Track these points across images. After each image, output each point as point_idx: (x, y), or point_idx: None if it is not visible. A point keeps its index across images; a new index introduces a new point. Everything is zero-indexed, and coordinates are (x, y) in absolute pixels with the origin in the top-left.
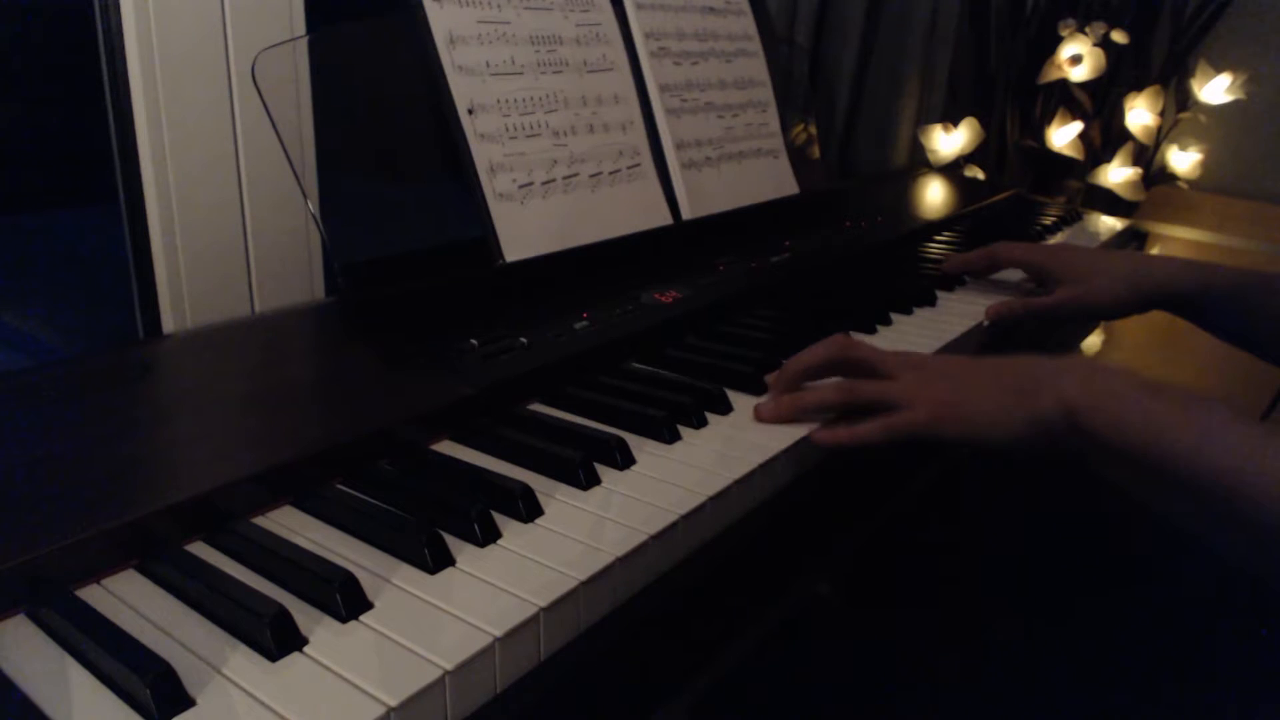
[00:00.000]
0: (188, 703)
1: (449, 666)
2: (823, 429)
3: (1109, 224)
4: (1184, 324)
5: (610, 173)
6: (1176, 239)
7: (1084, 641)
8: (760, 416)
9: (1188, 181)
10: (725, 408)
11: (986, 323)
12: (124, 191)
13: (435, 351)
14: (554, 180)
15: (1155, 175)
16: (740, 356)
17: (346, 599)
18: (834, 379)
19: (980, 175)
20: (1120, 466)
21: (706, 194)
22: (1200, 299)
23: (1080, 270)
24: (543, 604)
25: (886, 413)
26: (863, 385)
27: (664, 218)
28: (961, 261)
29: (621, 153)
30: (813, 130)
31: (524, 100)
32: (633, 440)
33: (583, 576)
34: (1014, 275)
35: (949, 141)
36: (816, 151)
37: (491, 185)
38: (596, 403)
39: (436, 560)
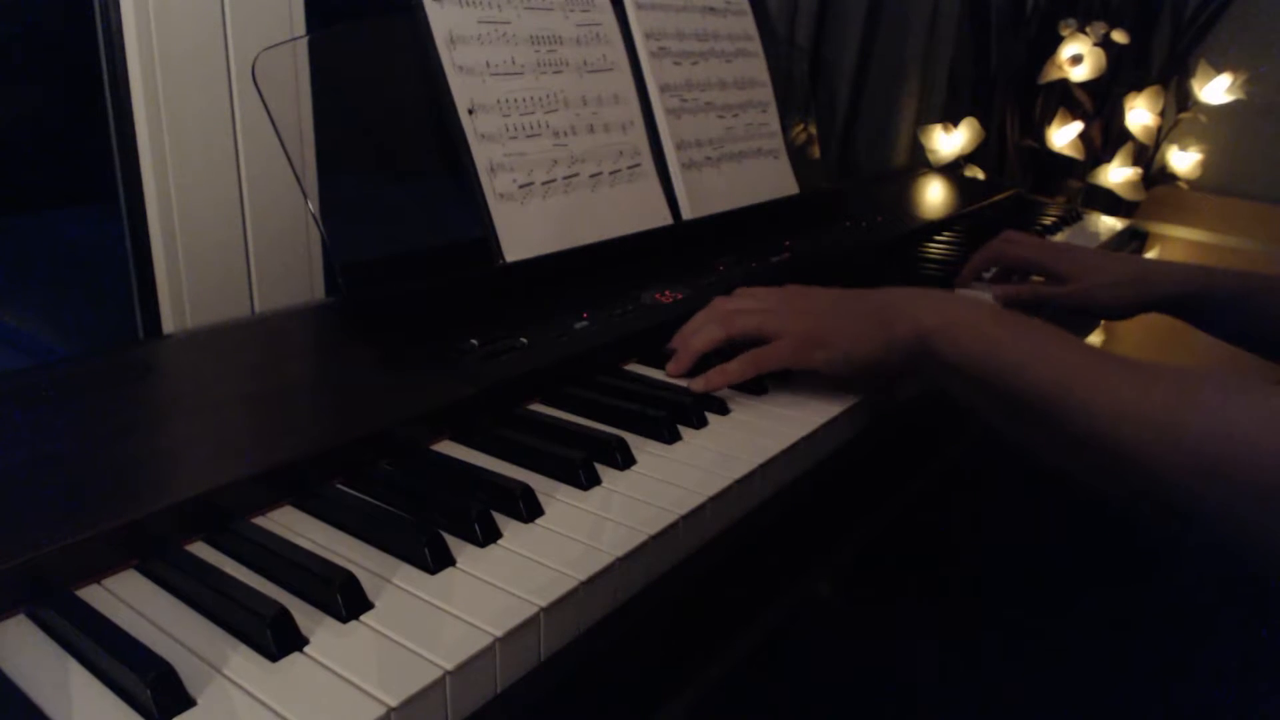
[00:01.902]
0: (188, 703)
1: (449, 666)
2: (696, 377)
3: (1109, 224)
4: (1182, 325)
5: (610, 173)
6: (1176, 239)
7: (1084, 641)
8: (669, 373)
9: (1188, 181)
10: (726, 408)
11: (995, 299)
12: (124, 191)
13: (435, 351)
14: (554, 180)
15: (1155, 175)
16: None
17: (347, 599)
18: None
19: (980, 175)
20: (963, 387)
21: (706, 194)
22: (1202, 303)
23: (1085, 270)
24: (543, 604)
25: (757, 350)
26: (740, 320)
27: (664, 218)
28: (973, 269)
29: (622, 153)
30: (813, 130)
31: (524, 100)
32: (633, 440)
33: (583, 576)
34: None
35: (949, 141)
36: (816, 151)
37: (492, 185)
38: (597, 403)
39: (437, 560)
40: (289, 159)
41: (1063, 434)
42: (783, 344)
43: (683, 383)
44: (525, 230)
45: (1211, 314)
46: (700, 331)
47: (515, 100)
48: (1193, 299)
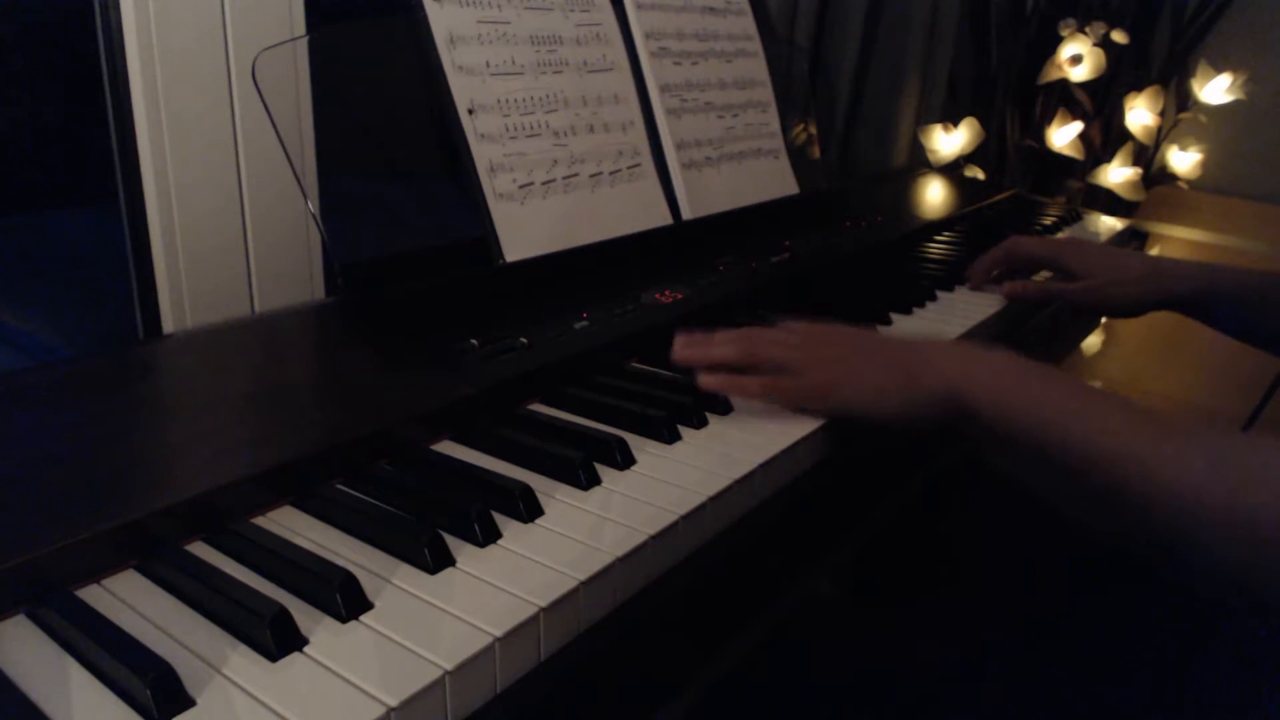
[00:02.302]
0: (188, 703)
1: (449, 666)
2: (710, 375)
3: (1109, 224)
4: (1184, 325)
5: (610, 173)
6: (1176, 239)
7: (1084, 641)
8: (675, 354)
9: (1188, 181)
10: (726, 408)
11: (1004, 295)
12: (124, 191)
13: (435, 351)
14: (554, 180)
15: (1155, 175)
16: None
17: (346, 599)
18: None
19: (980, 175)
20: (994, 444)
21: (706, 194)
22: (1211, 300)
23: (1095, 267)
24: (543, 604)
25: (781, 379)
26: (764, 346)
27: (664, 218)
28: (983, 271)
29: (621, 153)
30: (813, 130)
31: (524, 100)
32: (633, 440)
33: (583, 576)
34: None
35: (949, 141)
36: (816, 151)
37: (491, 185)
38: (597, 403)
39: (437, 560)
40: (289, 159)
41: (1108, 498)
42: (803, 383)
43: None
44: (525, 230)
45: (1221, 311)
46: (726, 344)
47: (515, 100)
48: (1202, 296)
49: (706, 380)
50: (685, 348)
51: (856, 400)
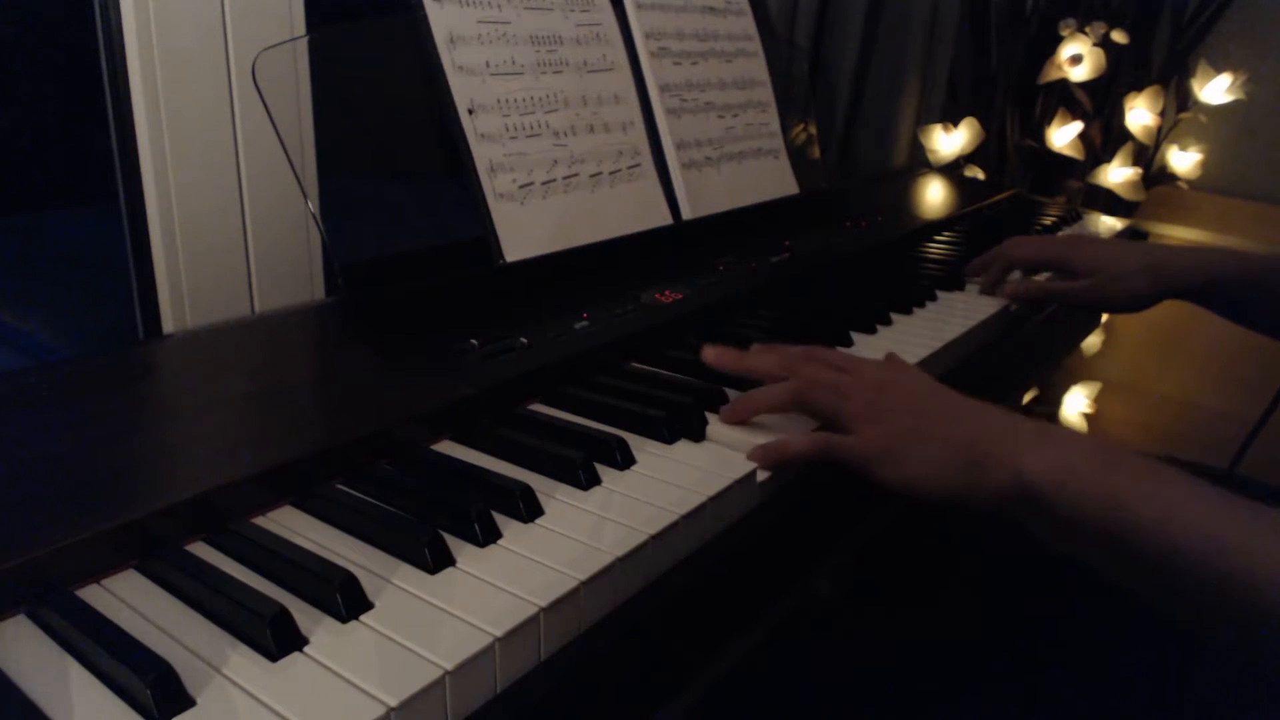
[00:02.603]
0: (188, 703)
1: (449, 666)
2: (757, 447)
3: (1109, 224)
4: (1184, 324)
5: (610, 173)
6: (1176, 239)
7: (1083, 642)
8: (722, 418)
9: (1188, 181)
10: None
11: (1009, 304)
12: (124, 191)
13: (435, 351)
14: (554, 180)
15: (1155, 175)
16: None
17: (346, 599)
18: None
19: (980, 175)
20: (1076, 538)
21: (706, 194)
22: (1218, 287)
23: (1098, 265)
24: (543, 604)
25: (828, 432)
26: (818, 395)
27: (664, 218)
28: (990, 282)
29: (621, 153)
30: (813, 130)
31: (524, 100)
32: (633, 440)
33: (583, 576)
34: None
35: (949, 141)
36: (816, 151)
37: (491, 185)
38: (597, 403)
39: (437, 560)
40: (289, 159)
41: (1209, 593)
42: (855, 444)
43: (744, 454)
44: (525, 230)
45: (1228, 298)
46: (771, 392)
47: (515, 100)
48: (1209, 284)
49: (754, 455)
50: (727, 412)
51: (915, 481)
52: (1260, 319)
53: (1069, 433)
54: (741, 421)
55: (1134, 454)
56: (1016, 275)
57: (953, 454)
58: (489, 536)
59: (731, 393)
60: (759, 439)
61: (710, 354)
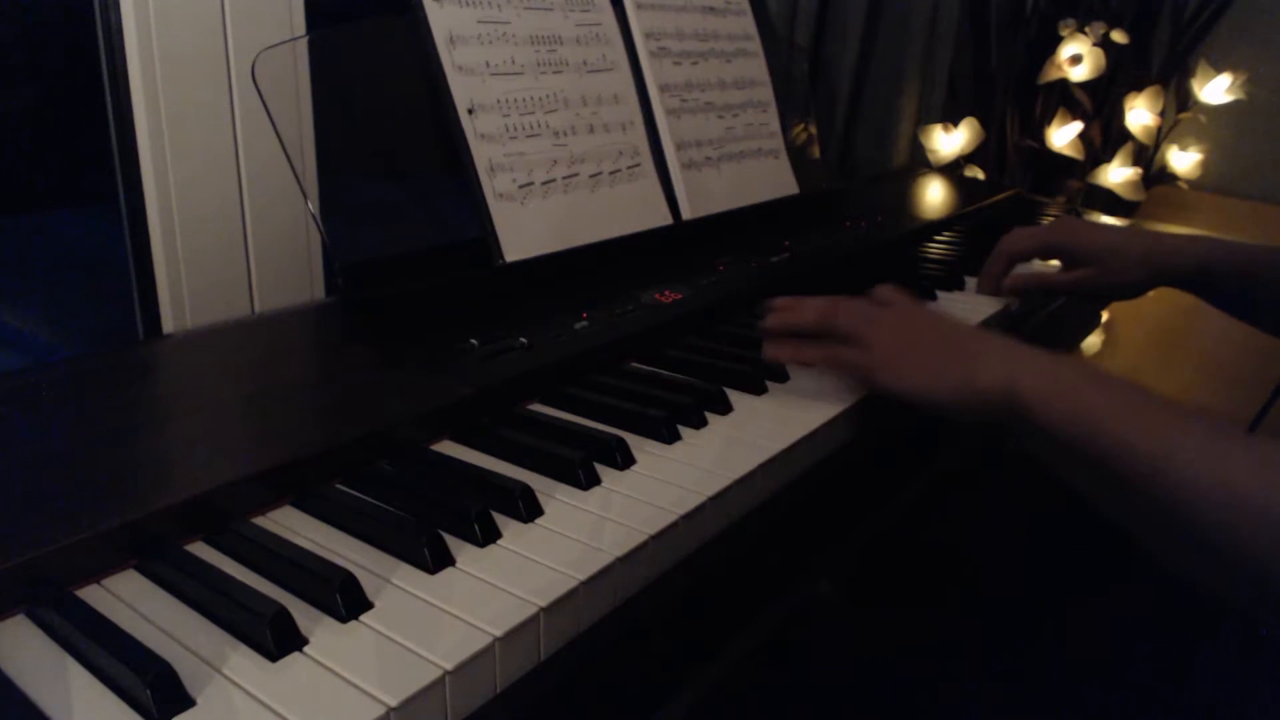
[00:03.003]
0: (188, 703)
1: (449, 666)
2: (772, 346)
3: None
4: (1184, 322)
5: (610, 173)
6: None
7: (1084, 641)
8: (766, 355)
9: (1188, 181)
10: (725, 408)
11: (1008, 304)
12: (124, 191)
13: (435, 351)
14: (554, 180)
15: (1155, 175)
16: (740, 356)
17: (346, 599)
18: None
19: (980, 175)
20: (1054, 452)
21: (706, 194)
22: (1212, 277)
23: (1094, 252)
24: (543, 604)
25: (841, 349)
26: (842, 314)
27: (664, 218)
28: (992, 280)
29: (621, 153)
30: (813, 130)
31: (524, 100)
32: (633, 440)
33: (583, 576)
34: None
35: (949, 141)
36: (816, 151)
37: (491, 185)
38: (596, 403)
39: (436, 560)
40: (289, 159)
41: (1163, 510)
42: (861, 354)
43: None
44: (525, 230)
45: (1221, 288)
46: (810, 310)
47: (515, 100)
48: (1203, 273)
49: (769, 351)
50: (776, 315)
51: (911, 384)
52: (1253, 311)
53: (1063, 355)
54: (775, 325)
55: (1123, 379)
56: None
57: (950, 364)
58: (489, 536)
59: (732, 394)
60: (760, 439)
61: (771, 321)
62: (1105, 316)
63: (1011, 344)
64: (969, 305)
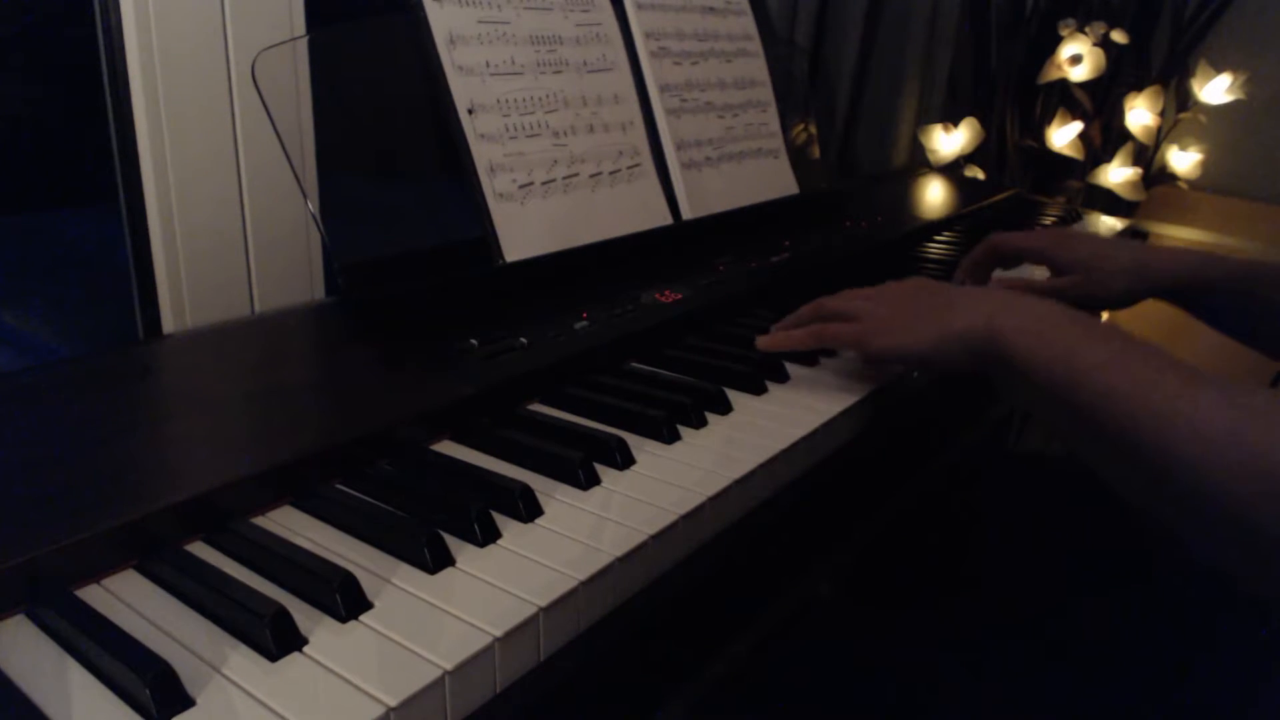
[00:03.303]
0: (188, 703)
1: (449, 666)
2: (763, 336)
3: (1109, 224)
4: (1181, 326)
5: (610, 173)
6: (1176, 239)
7: (1084, 641)
8: (759, 345)
9: (1188, 181)
10: (725, 408)
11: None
12: (124, 191)
13: (435, 351)
14: (554, 180)
15: (1155, 175)
16: (740, 356)
17: (346, 599)
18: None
19: (980, 175)
20: (1028, 392)
21: (706, 194)
22: (1201, 292)
23: (1083, 261)
24: (543, 604)
25: (825, 325)
26: (831, 301)
27: (664, 218)
28: (969, 266)
29: (621, 153)
30: (813, 130)
31: (524, 100)
32: (633, 440)
33: (583, 576)
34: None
35: (949, 141)
36: (816, 151)
37: (491, 185)
38: (596, 403)
39: (436, 560)
40: (289, 159)
41: (1132, 448)
42: (850, 326)
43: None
44: (525, 230)
45: (1210, 304)
46: (799, 311)
47: (515, 100)
48: (1192, 288)
49: (760, 342)
50: (766, 340)
51: (901, 340)
52: (1241, 327)
53: (1043, 300)
54: (774, 346)
55: (1096, 319)
56: (999, 274)
57: (930, 315)
58: (488, 536)
59: (732, 394)
60: (760, 440)
61: (763, 341)
62: (1103, 317)
63: (992, 290)
64: None
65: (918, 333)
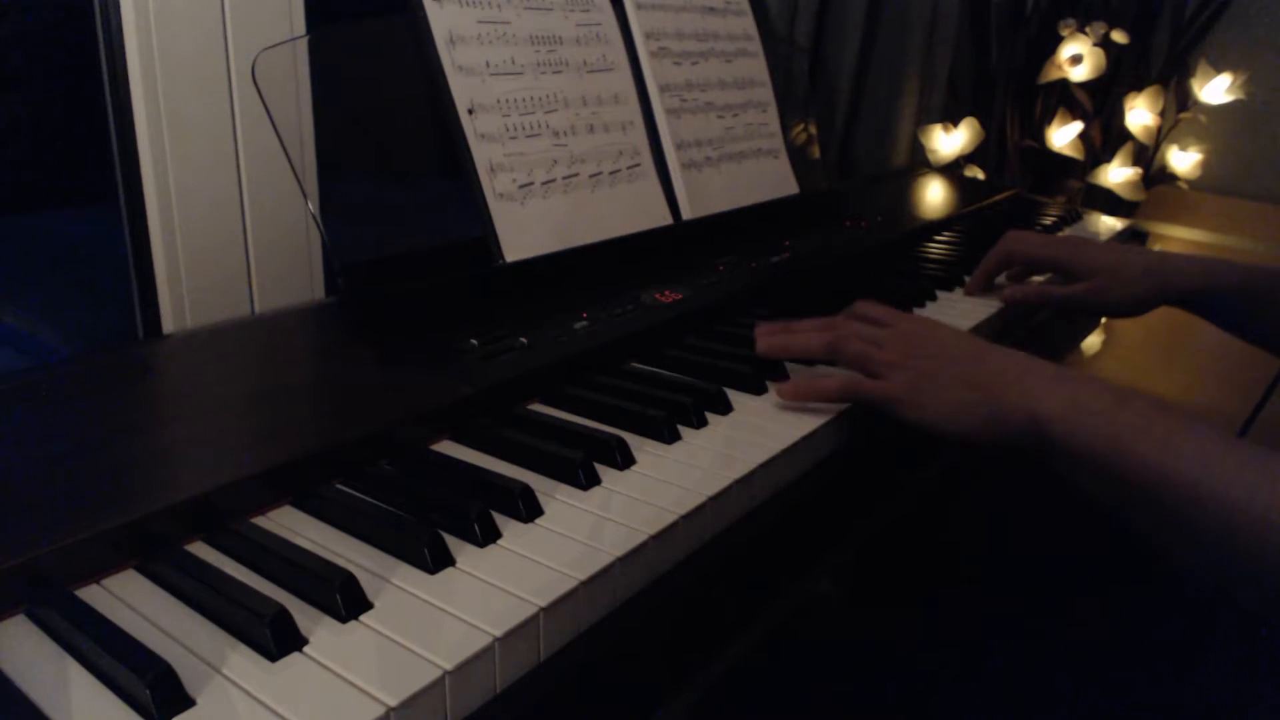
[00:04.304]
0: (188, 703)
1: (449, 666)
2: (787, 382)
3: (1109, 224)
4: (1183, 325)
5: (610, 173)
6: (1176, 239)
7: (1084, 641)
8: (759, 349)
9: (1188, 181)
10: (725, 408)
11: (1003, 301)
12: (124, 191)
13: (435, 351)
14: (554, 180)
15: (1155, 175)
16: (740, 356)
17: (346, 599)
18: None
19: (980, 175)
20: (1084, 474)
21: (706, 194)
22: (1214, 297)
23: (1097, 268)
24: (543, 604)
25: (862, 381)
26: (850, 341)
27: (664, 218)
28: (982, 275)
29: (621, 153)
30: (813, 130)
31: (524, 100)
32: (633, 440)
33: (583, 576)
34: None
35: (949, 141)
36: (816, 151)
37: (491, 185)
38: (596, 403)
39: (436, 560)
40: (289, 159)
41: (1199, 533)
42: (882, 386)
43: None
44: (525, 230)
45: (1223, 307)
46: (811, 332)
47: (515, 100)
48: (1205, 294)
49: (784, 390)
50: (768, 337)
51: (936, 418)
52: (1259, 332)
53: (1082, 374)
54: (776, 349)
55: (1142, 394)
56: (1004, 278)
57: (972, 395)
58: (489, 536)
59: (732, 394)
60: (761, 440)
61: (763, 345)
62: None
63: (1029, 365)
64: (968, 305)
65: (961, 409)
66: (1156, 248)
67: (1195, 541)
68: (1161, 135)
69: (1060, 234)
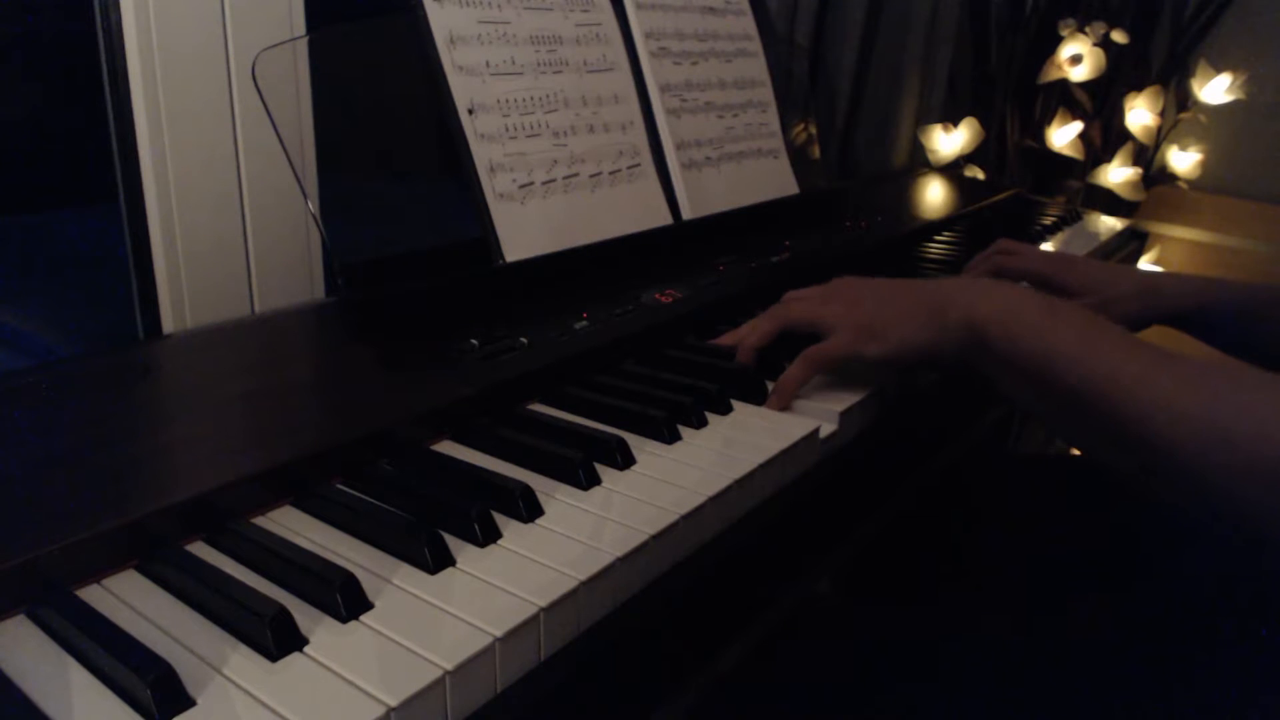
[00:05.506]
0: (188, 703)
1: (449, 666)
2: (773, 396)
3: (1109, 224)
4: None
5: (610, 173)
6: (1176, 239)
7: (1084, 641)
8: (737, 355)
9: (1188, 181)
10: (725, 408)
11: None
12: (124, 191)
13: (435, 351)
14: (554, 180)
15: (1155, 175)
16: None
17: (346, 599)
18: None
19: (980, 175)
20: (1012, 380)
21: (706, 194)
22: (1209, 317)
23: (1087, 286)
24: (543, 604)
25: (811, 348)
26: (793, 311)
27: (664, 218)
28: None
29: (621, 153)
30: (813, 130)
31: (524, 100)
32: (633, 440)
33: (583, 576)
34: None
35: (949, 141)
36: (816, 151)
37: (491, 185)
38: (596, 403)
39: (437, 560)
40: (289, 159)
41: (1113, 431)
42: (837, 338)
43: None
44: (525, 230)
45: (1219, 327)
46: (755, 329)
47: (515, 100)
48: (1200, 313)
49: (771, 403)
50: (741, 351)
51: (899, 345)
52: (1257, 353)
53: (1018, 287)
54: (750, 362)
55: (1074, 305)
56: None
57: (920, 313)
58: (489, 536)
59: (731, 394)
60: (760, 439)
61: (742, 356)
62: None
63: (969, 282)
64: None
65: (913, 330)
66: (1157, 248)
67: (1113, 444)
68: (1161, 135)
69: (1058, 235)
